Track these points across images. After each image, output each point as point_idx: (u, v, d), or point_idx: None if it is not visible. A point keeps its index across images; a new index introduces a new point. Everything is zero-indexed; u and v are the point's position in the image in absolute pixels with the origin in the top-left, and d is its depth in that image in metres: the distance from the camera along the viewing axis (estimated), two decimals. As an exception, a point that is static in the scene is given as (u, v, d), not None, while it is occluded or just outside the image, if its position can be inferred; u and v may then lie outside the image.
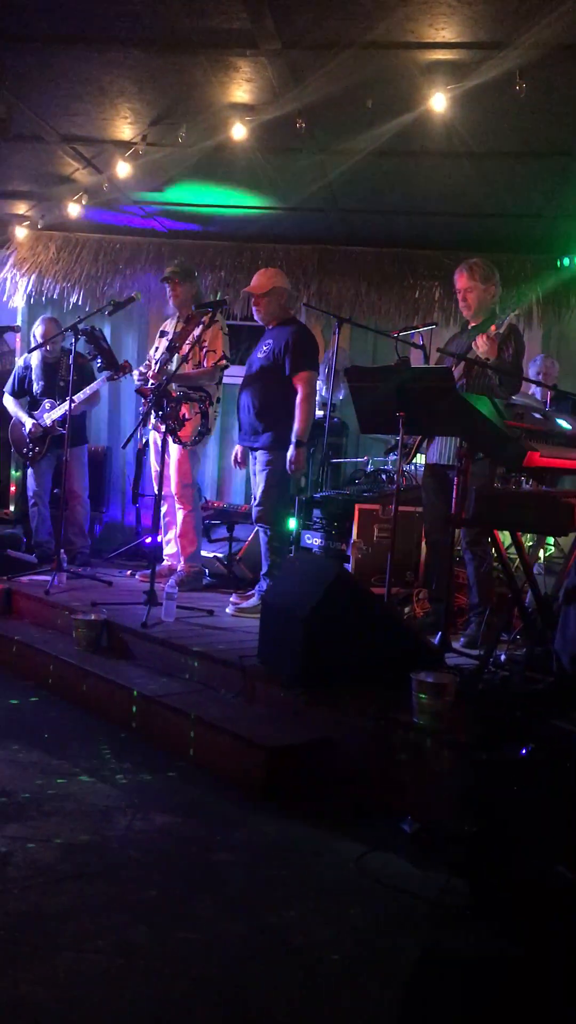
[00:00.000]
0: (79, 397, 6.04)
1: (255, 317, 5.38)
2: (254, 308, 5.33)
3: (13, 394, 6.56)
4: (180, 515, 5.69)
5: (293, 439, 5.04)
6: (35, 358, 6.53)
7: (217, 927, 2.36)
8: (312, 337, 5.35)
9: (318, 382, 7.37)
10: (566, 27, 3.75)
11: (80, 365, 5.92)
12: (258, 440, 5.19)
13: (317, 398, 7.31)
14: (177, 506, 5.68)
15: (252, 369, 5.28)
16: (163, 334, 5.93)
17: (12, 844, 2.74)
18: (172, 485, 5.64)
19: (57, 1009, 1.96)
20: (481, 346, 4.37)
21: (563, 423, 4.22)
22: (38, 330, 6.50)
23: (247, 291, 5.35)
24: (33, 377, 6.50)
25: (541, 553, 5.13)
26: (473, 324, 4.76)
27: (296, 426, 5.05)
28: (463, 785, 2.80)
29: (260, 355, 5.26)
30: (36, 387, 6.48)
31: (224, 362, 5.59)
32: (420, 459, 5.15)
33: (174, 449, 5.45)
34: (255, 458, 5.26)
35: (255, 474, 5.27)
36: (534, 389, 5.89)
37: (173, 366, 5.39)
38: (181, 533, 5.72)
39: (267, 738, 3.40)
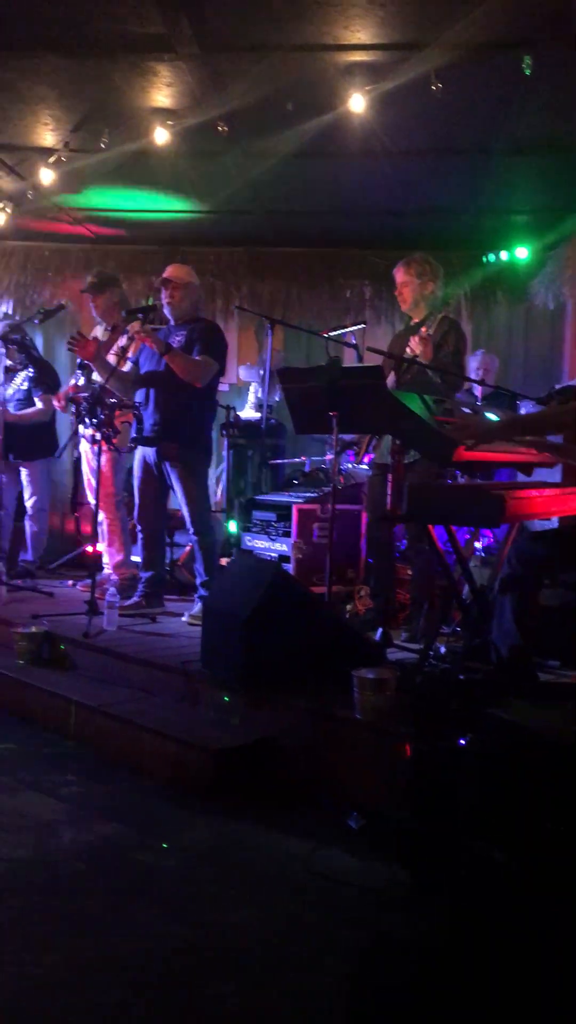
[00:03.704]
0: (16, 409, 5.97)
1: (165, 310, 5.15)
2: (167, 299, 5.06)
3: None
4: (104, 524, 5.64)
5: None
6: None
7: (158, 931, 2.35)
8: (222, 334, 5.17)
9: (253, 384, 7.42)
10: (479, 29, 3.82)
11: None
12: (170, 443, 4.99)
13: (252, 399, 7.37)
14: (100, 515, 5.59)
15: (160, 366, 4.99)
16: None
17: (-46, 863, 2.70)
18: (94, 493, 5.58)
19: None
20: (416, 348, 4.41)
21: (492, 416, 4.29)
22: None
23: (165, 277, 5.09)
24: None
25: (478, 544, 5.21)
26: (415, 320, 4.79)
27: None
28: (404, 777, 2.84)
29: None
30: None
31: None
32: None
33: (103, 458, 5.37)
34: (166, 464, 5.06)
35: (170, 480, 5.10)
36: (471, 384, 5.98)
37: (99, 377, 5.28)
38: (108, 542, 5.68)
39: (212, 741, 3.41)
